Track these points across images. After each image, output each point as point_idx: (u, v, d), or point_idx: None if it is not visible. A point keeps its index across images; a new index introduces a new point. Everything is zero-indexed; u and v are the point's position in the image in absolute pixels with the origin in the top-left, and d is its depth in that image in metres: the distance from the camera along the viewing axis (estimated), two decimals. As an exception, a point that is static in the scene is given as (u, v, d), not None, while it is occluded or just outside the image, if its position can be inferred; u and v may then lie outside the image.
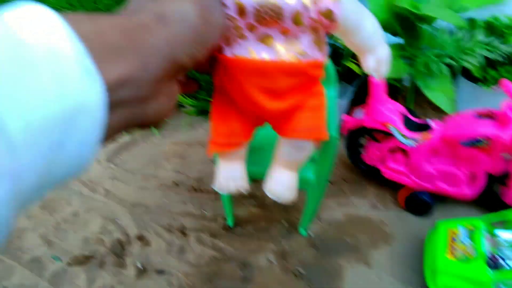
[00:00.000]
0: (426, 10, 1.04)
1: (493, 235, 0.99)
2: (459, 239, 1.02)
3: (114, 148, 1.44)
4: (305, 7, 0.47)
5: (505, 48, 1.14)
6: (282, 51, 0.50)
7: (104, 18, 0.23)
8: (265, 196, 1.23)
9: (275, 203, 1.25)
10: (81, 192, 1.29)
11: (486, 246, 0.97)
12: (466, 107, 1.51)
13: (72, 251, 1.14)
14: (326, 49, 0.55)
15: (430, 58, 1.24)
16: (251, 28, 0.48)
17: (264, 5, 0.46)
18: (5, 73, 0.16)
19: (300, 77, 0.56)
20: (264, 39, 0.49)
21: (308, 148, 0.65)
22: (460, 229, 1.04)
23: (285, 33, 0.49)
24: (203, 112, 1.58)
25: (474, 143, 1.08)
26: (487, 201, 1.22)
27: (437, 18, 1.10)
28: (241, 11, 0.46)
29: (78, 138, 0.19)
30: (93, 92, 0.19)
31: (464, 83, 1.45)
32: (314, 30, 0.51)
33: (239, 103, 0.57)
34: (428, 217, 1.22)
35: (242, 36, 0.49)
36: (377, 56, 0.61)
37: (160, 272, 1.08)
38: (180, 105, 1.62)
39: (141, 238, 1.16)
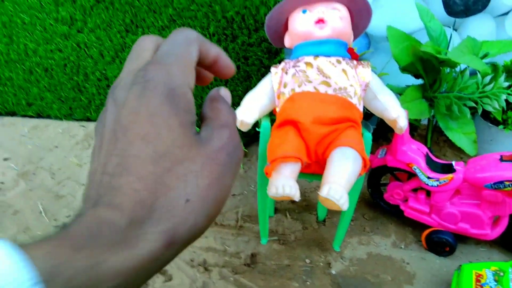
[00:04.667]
0: (452, 55, 1.07)
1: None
2: (485, 282, 1.02)
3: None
4: (350, 67, 0.97)
5: (527, 94, 1.16)
6: (337, 91, 0.95)
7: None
8: (287, 232, 1.23)
9: (297, 240, 1.25)
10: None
11: (514, 290, 0.96)
12: (485, 149, 1.53)
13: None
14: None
15: (452, 100, 1.26)
16: (315, 76, 0.94)
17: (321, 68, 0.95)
18: None
19: (346, 111, 0.94)
20: (324, 83, 0.94)
21: (358, 162, 0.90)
22: (486, 273, 1.03)
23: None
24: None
25: (499, 186, 1.09)
26: (509, 242, 1.23)
27: (460, 63, 1.13)
28: (309, 66, 0.95)
29: None
30: None
31: (483, 124, 1.47)
32: (357, 85, 0.97)
33: (297, 129, 0.94)
34: (450, 258, 1.22)
35: (309, 81, 0.94)
36: (397, 111, 1.00)
37: (183, 308, 1.07)
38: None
39: (163, 272, 1.15)
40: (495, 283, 0.99)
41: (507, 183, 1.07)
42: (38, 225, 1.28)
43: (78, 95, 1.70)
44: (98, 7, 1.52)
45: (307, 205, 1.38)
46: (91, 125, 1.72)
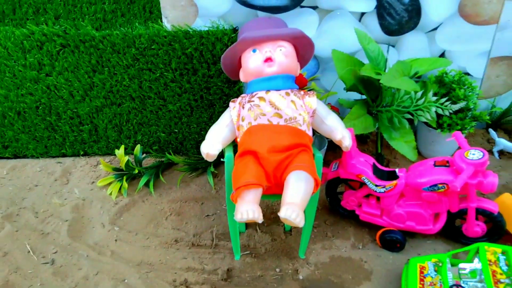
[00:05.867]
0: (385, 81, 1.24)
1: (456, 267, 1.16)
2: (427, 273, 1.19)
3: (115, 210, 1.56)
4: (297, 98, 1.17)
5: (454, 106, 1.35)
6: (288, 121, 1.14)
7: None
8: (258, 246, 1.37)
9: (267, 252, 1.40)
10: (89, 255, 1.40)
11: (450, 277, 1.13)
12: (428, 149, 1.72)
13: (86, 314, 1.24)
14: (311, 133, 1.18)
15: (392, 113, 1.43)
16: (268, 109, 1.14)
17: (273, 101, 1.15)
18: None
19: (297, 138, 1.12)
20: (276, 115, 1.13)
21: (311, 182, 1.06)
22: (428, 264, 1.21)
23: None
24: (195, 169, 1.72)
25: (433, 188, 1.26)
26: (450, 233, 1.41)
27: (393, 87, 1.30)
28: (262, 100, 1.15)
29: None
30: None
31: (424, 128, 1.66)
32: (305, 113, 1.16)
33: (256, 157, 1.09)
34: (402, 253, 1.39)
35: (263, 114, 1.14)
36: (342, 133, 1.20)
37: (170, 326, 1.19)
38: (172, 163, 1.76)
39: (149, 295, 1.27)
40: (435, 273, 1.17)
41: (440, 185, 1.25)
42: (28, 264, 1.38)
43: (52, 134, 1.79)
44: (64, 52, 1.62)
45: (275, 217, 1.53)
46: (67, 161, 1.82)
